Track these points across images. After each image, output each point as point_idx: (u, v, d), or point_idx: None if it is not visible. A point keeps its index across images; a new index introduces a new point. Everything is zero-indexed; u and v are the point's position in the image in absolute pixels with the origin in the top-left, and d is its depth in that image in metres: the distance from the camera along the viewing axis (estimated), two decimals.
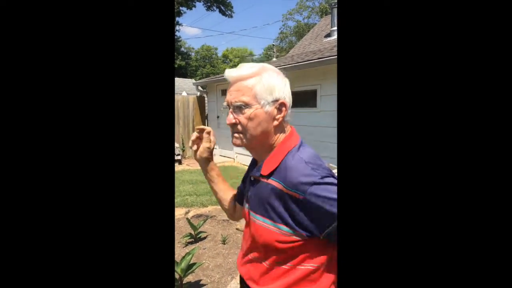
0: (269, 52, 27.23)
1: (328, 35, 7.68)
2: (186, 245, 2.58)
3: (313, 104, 4.77)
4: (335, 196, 0.60)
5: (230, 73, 0.70)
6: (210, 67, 33.82)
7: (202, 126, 0.84)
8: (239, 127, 0.69)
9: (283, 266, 0.67)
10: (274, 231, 0.66)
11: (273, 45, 12.75)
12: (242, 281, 0.78)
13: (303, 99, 4.83)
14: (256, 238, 0.70)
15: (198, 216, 3.21)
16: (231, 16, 21.50)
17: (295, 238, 0.64)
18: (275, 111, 0.69)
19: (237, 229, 2.87)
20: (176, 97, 7.66)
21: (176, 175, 5.33)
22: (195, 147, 0.83)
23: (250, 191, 0.75)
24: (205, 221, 2.83)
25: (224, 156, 7.44)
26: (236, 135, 0.71)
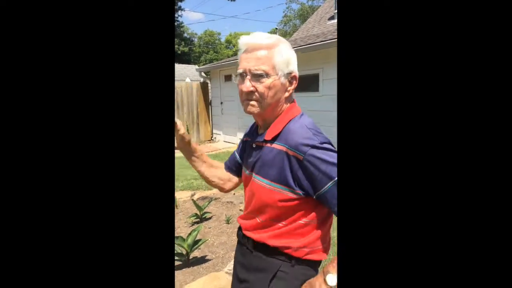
0: None
1: (332, 18, 7.54)
2: (192, 225, 2.71)
3: (315, 88, 4.78)
4: (331, 160, 0.67)
5: (247, 40, 0.72)
6: (213, 53, 33.42)
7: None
8: (256, 94, 0.72)
9: (279, 223, 0.75)
10: (275, 191, 0.73)
11: (276, 28, 12.53)
12: (240, 230, 0.87)
13: (305, 83, 4.84)
14: (257, 198, 0.77)
15: (203, 198, 3.33)
16: (234, 0, 21.06)
17: (292, 196, 0.72)
18: (287, 83, 0.75)
19: (240, 210, 2.99)
20: (180, 83, 7.70)
21: (181, 161, 5.46)
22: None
23: (252, 157, 0.81)
24: (209, 203, 2.95)
25: (228, 142, 7.53)
26: (252, 102, 0.73)
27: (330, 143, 0.72)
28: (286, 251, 0.75)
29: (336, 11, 7.27)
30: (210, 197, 3.29)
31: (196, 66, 10.49)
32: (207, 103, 8.03)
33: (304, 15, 21.43)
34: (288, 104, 0.79)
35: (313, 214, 0.75)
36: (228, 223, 2.70)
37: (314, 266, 0.78)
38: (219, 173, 0.96)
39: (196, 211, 2.81)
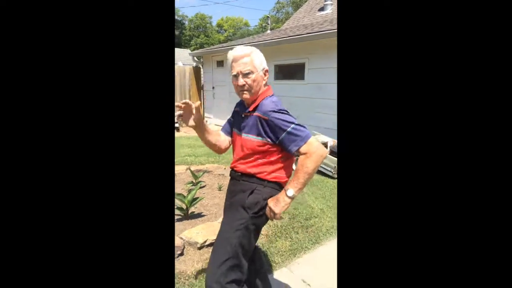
0: (263, 24, 26.78)
1: (322, 9, 7.86)
2: (189, 191, 3.14)
3: (301, 77, 5.19)
4: (283, 118, 1.10)
5: (234, 53, 1.17)
6: (204, 37, 32.96)
7: (186, 101, 1.13)
8: (246, 86, 1.15)
9: (258, 160, 1.19)
10: (255, 140, 1.17)
11: (268, 16, 12.72)
12: (232, 170, 1.30)
13: (291, 71, 5.24)
14: (245, 147, 1.21)
15: (197, 171, 3.75)
16: None
17: (264, 142, 1.15)
18: (263, 75, 1.20)
19: None
20: None
21: (175, 141, 5.87)
22: (180, 119, 1.17)
23: (242, 123, 1.24)
24: (203, 173, 3.38)
25: (219, 125, 7.89)
26: (245, 92, 1.17)
27: (285, 110, 1.15)
28: (259, 175, 1.19)
29: (326, 2, 7.58)
30: (203, 170, 3.72)
31: (188, 50, 10.63)
32: (199, 87, 8.32)
33: (297, 3, 21.48)
34: (264, 88, 1.23)
35: (279, 154, 1.19)
36: (220, 190, 3.14)
37: (279, 187, 1.23)
38: (219, 137, 1.37)
39: (192, 180, 3.22)
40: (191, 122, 1.17)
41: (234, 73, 1.16)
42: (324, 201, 3.01)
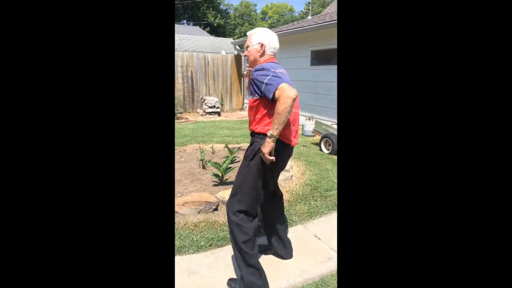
0: (303, 10, 26.13)
1: None
2: (224, 162, 3.60)
3: (336, 62, 5.28)
4: (261, 73, 1.40)
5: (248, 33, 1.63)
6: (248, 25, 33.29)
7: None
8: (246, 56, 1.62)
9: (256, 116, 1.51)
10: (251, 99, 1.50)
11: (309, 2, 12.58)
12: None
13: (327, 57, 5.35)
14: (249, 107, 1.55)
15: (233, 148, 4.21)
16: None
17: (255, 99, 1.46)
18: (259, 48, 1.56)
19: None
20: (216, 55, 8.48)
21: (216, 123, 6.42)
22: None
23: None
24: (238, 149, 3.81)
25: None
26: (247, 60, 1.62)
27: (267, 69, 1.42)
28: (256, 130, 1.51)
29: None
30: (238, 147, 4.16)
31: (231, 39, 11.11)
32: (240, 75, 8.76)
33: None
34: (261, 59, 1.58)
35: (265, 108, 1.47)
36: None
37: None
38: None
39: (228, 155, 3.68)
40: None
41: (245, 46, 1.65)
42: None
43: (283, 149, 1.53)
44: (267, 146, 1.38)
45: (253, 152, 1.50)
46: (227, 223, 1.56)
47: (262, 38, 1.57)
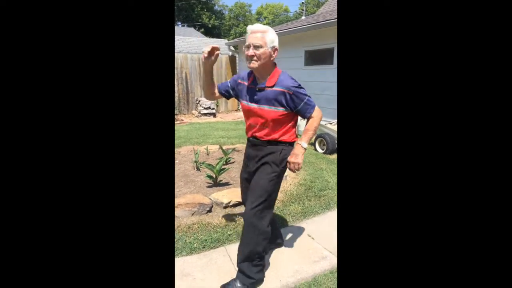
0: (297, 10, 26.29)
1: None
2: (218, 163, 3.60)
3: (330, 62, 5.30)
4: (303, 91, 1.45)
5: (252, 28, 1.43)
6: (243, 26, 33.26)
7: (214, 45, 1.40)
8: (255, 57, 1.39)
9: (280, 127, 1.53)
10: (278, 110, 1.48)
11: (303, 3, 12.64)
12: (253, 138, 1.62)
13: (321, 57, 5.37)
14: (266, 117, 1.49)
15: (228, 149, 4.20)
16: None
17: (285, 112, 1.48)
18: (272, 52, 1.45)
19: None
20: None
21: (211, 125, 6.41)
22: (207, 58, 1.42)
23: (257, 96, 1.50)
24: (232, 150, 3.81)
25: None
26: (253, 62, 1.41)
27: (301, 86, 1.49)
28: (282, 139, 1.54)
29: None
30: (232, 148, 4.16)
31: (225, 40, 11.11)
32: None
33: None
34: (274, 67, 1.53)
35: (291, 120, 1.54)
36: None
37: (292, 145, 1.58)
38: (215, 89, 1.66)
39: (222, 157, 3.67)
40: (210, 61, 1.45)
41: (247, 43, 1.43)
42: None
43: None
44: (301, 156, 1.52)
45: (285, 160, 1.55)
46: (246, 228, 1.51)
47: (276, 42, 1.44)
